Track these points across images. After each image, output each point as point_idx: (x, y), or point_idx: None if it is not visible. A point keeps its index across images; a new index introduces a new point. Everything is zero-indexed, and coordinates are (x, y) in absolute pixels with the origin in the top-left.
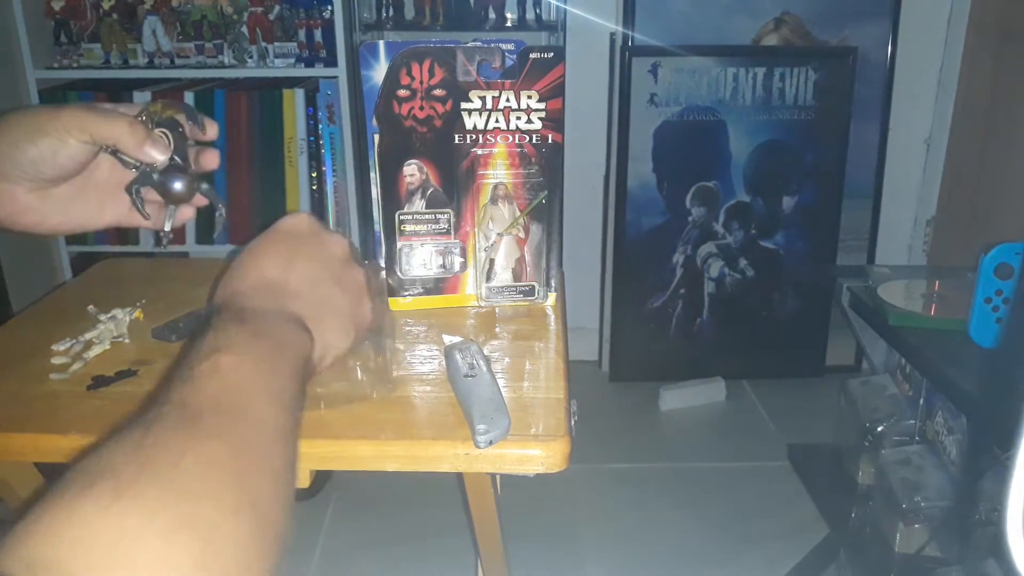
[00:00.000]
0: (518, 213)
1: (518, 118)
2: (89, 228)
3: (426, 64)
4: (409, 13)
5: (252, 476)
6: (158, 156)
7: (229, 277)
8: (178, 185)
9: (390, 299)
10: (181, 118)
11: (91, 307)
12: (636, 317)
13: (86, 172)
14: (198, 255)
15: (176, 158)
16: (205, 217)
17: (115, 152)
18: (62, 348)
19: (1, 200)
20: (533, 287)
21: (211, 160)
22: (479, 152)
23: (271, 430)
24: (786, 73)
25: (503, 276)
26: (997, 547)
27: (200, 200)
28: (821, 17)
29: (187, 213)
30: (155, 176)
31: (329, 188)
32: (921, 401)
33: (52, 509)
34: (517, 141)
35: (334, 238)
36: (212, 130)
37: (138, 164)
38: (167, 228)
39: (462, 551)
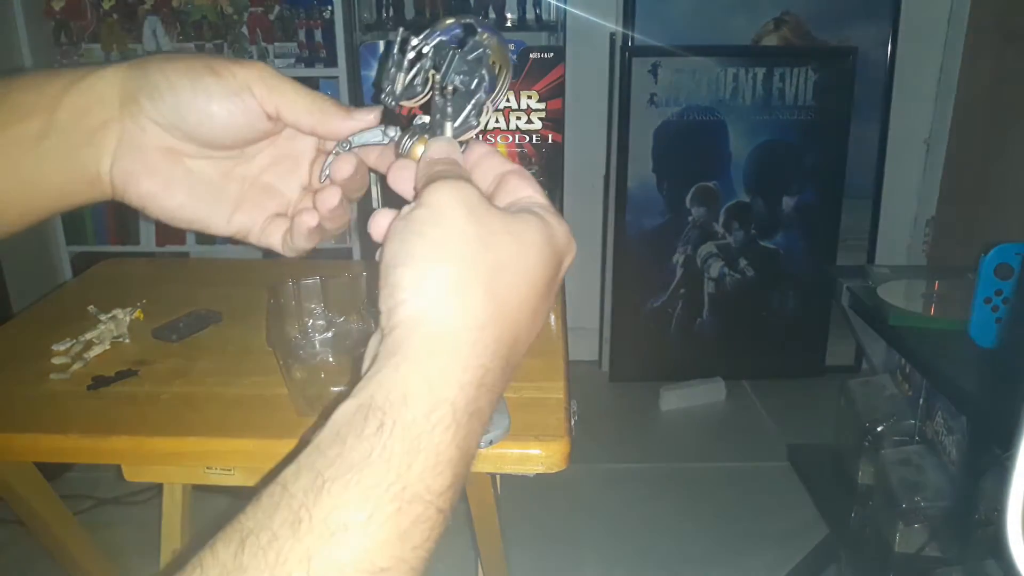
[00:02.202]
0: None
1: (518, 118)
2: (208, 228)
3: None
4: (409, 13)
5: None
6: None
7: (481, 329)
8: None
9: None
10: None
11: (91, 307)
12: (636, 317)
13: (239, 156)
14: (199, 255)
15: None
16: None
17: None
18: (62, 348)
19: (127, 145)
20: None
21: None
22: None
23: None
24: (786, 73)
25: None
26: (997, 547)
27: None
28: (821, 17)
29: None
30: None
31: None
32: (921, 401)
33: None
34: (517, 141)
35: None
36: None
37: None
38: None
39: (462, 551)
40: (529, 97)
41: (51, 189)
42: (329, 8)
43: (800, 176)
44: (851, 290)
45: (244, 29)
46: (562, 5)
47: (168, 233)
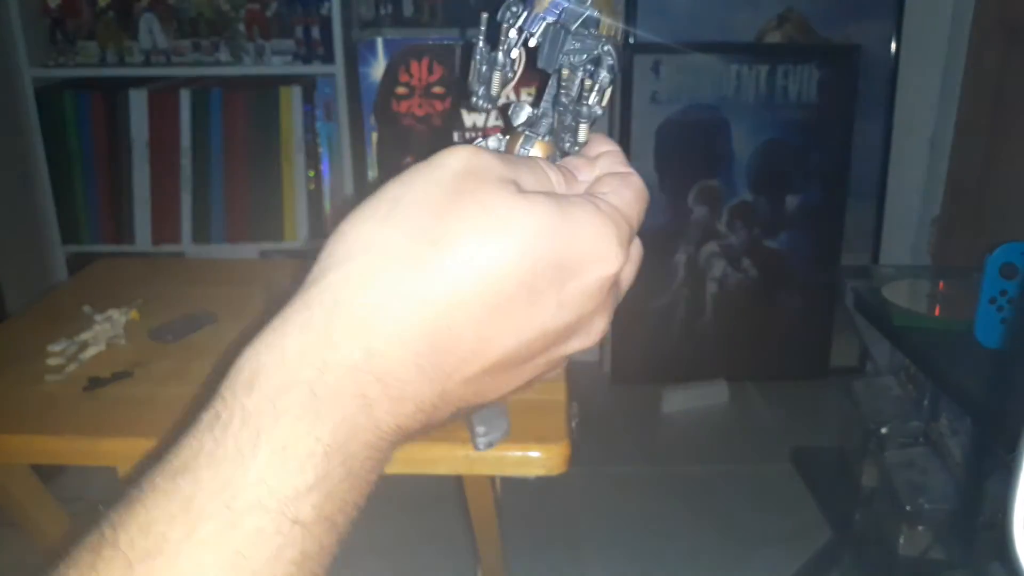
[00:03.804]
0: None
1: None
2: None
3: (424, 62)
4: (408, 10)
5: None
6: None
7: (444, 349)
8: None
9: None
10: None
11: (87, 307)
12: (638, 318)
13: None
14: (194, 255)
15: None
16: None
17: None
18: (58, 349)
19: None
20: None
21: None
22: None
23: None
24: (789, 71)
25: None
26: (1002, 550)
27: None
28: (824, 14)
29: None
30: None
31: (326, 186)
32: (926, 402)
33: None
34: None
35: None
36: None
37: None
38: (580, 138)
39: (461, 555)
40: (529, 94)
41: None
42: (326, 5)
43: (804, 175)
44: (855, 290)
45: (241, 26)
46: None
47: (164, 232)
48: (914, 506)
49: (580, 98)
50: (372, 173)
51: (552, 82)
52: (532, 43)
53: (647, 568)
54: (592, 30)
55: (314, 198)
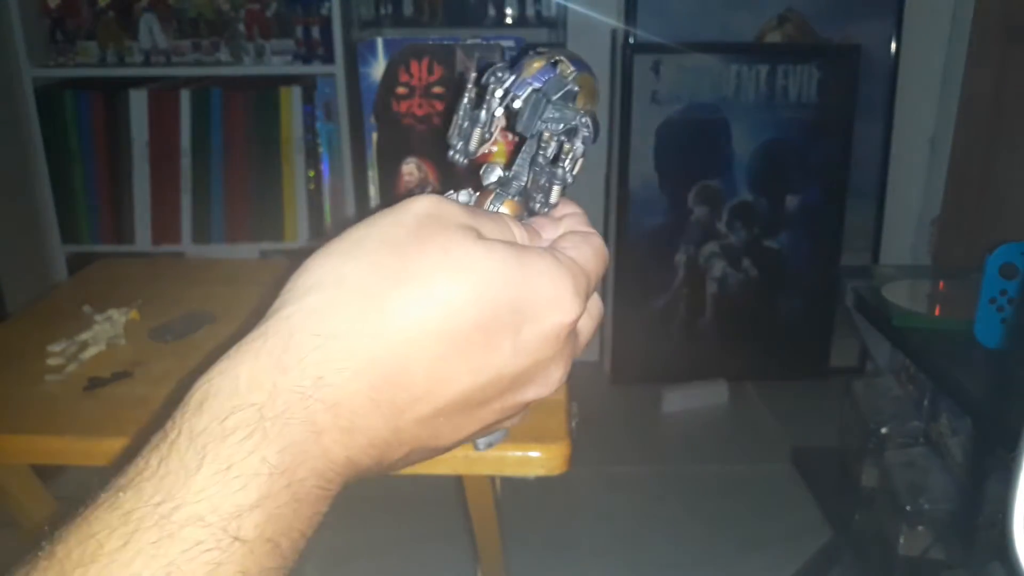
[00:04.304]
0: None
1: None
2: None
3: (424, 62)
4: (408, 10)
5: None
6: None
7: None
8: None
9: None
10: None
11: (87, 307)
12: (638, 318)
13: None
14: (194, 255)
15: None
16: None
17: None
18: (57, 349)
19: None
20: None
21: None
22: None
23: None
24: (789, 71)
25: None
26: (1002, 550)
27: None
28: (824, 14)
29: None
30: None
31: (326, 187)
32: (926, 402)
33: None
34: (517, 139)
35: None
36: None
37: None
38: (552, 200)
39: (461, 556)
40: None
41: None
42: (327, 5)
43: (804, 175)
44: (855, 290)
45: (241, 26)
46: (563, 1)
47: (164, 232)
48: (914, 506)
49: (556, 160)
50: (372, 173)
51: (528, 146)
52: (516, 104)
53: (647, 568)
54: (571, 104)
55: (314, 198)
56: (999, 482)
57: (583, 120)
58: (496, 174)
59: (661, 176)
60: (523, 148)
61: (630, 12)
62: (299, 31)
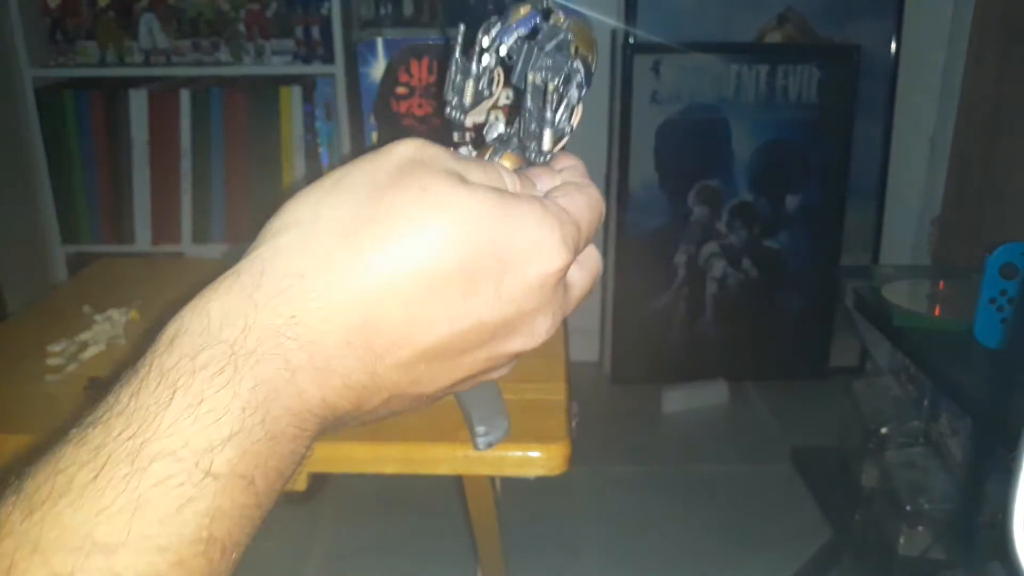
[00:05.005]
0: None
1: None
2: None
3: (424, 62)
4: (408, 10)
5: None
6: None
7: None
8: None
9: None
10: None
11: (87, 307)
12: (638, 318)
13: None
14: (194, 255)
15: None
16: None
17: None
18: (58, 349)
19: None
20: None
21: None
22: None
23: None
24: (789, 71)
25: None
26: (1002, 550)
27: None
28: (824, 14)
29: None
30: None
31: None
32: (926, 403)
33: None
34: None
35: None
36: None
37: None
38: (545, 146)
39: (461, 556)
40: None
41: None
42: (326, 5)
43: (804, 175)
44: (855, 290)
45: (241, 26)
46: (562, 1)
47: (164, 232)
48: (914, 506)
49: (545, 104)
50: None
51: (524, 99)
52: (503, 52)
53: (647, 568)
54: (564, 51)
55: None
56: (999, 482)
57: (574, 65)
58: (497, 130)
59: (661, 176)
60: (523, 102)
61: (630, 12)
62: (299, 31)
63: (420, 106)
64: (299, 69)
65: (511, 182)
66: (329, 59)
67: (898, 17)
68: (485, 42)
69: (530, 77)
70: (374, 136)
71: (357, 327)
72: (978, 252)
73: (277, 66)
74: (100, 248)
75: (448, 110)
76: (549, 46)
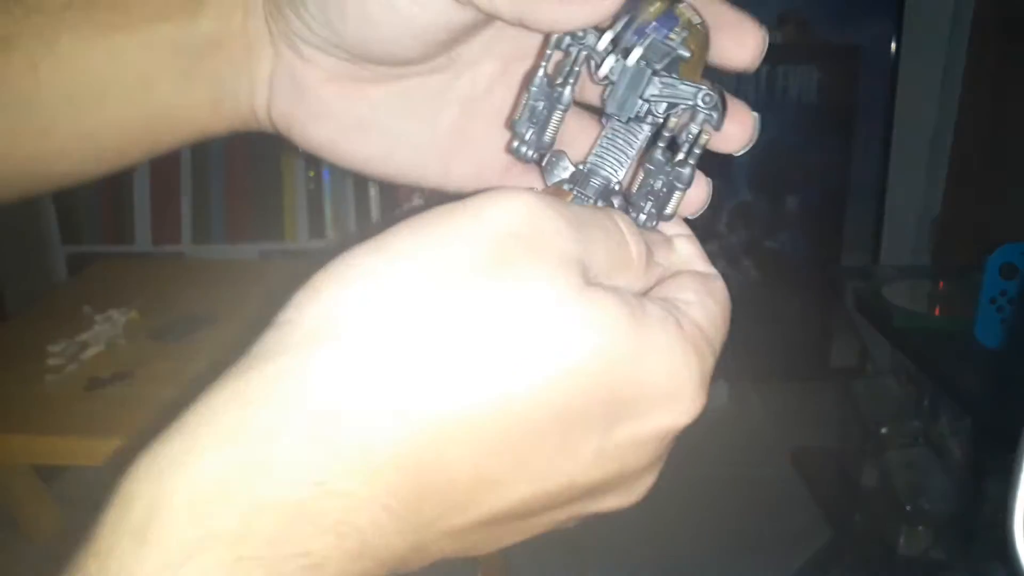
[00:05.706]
0: None
1: None
2: (421, 181)
3: None
4: None
5: None
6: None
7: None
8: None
9: None
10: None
11: (87, 308)
12: None
13: (448, 68)
14: (194, 255)
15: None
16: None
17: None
18: (58, 349)
19: (284, 79)
20: None
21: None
22: None
23: None
24: (789, 71)
25: None
26: (1002, 550)
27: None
28: (824, 14)
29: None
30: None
31: (326, 187)
32: (926, 403)
33: None
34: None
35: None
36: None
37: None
38: (668, 210)
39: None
40: None
41: (192, 122)
42: None
43: (804, 175)
44: (855, 290)
45: None
46: None
47: (164, 232)
48: (914, 506)
49: (687, 154)
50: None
51: (612, 130)
52: (631, 61)
53: (647, 568)
54: (674, 74)
55: (314, 198)
56: (999, 482)
57: (704, 97)
58: (566, 167)
59: None
60: (605, 133)
61: None
62: None
63: None
64: None
65: (638, 254)
66: None
67: (898, 17)
68: (602, 45)
69: (655, 109)
70: None
71: (405, 491)
72: (978, 252)
73: None
74: (100, 248)
75: (516, 145)
76: (661, 66)
